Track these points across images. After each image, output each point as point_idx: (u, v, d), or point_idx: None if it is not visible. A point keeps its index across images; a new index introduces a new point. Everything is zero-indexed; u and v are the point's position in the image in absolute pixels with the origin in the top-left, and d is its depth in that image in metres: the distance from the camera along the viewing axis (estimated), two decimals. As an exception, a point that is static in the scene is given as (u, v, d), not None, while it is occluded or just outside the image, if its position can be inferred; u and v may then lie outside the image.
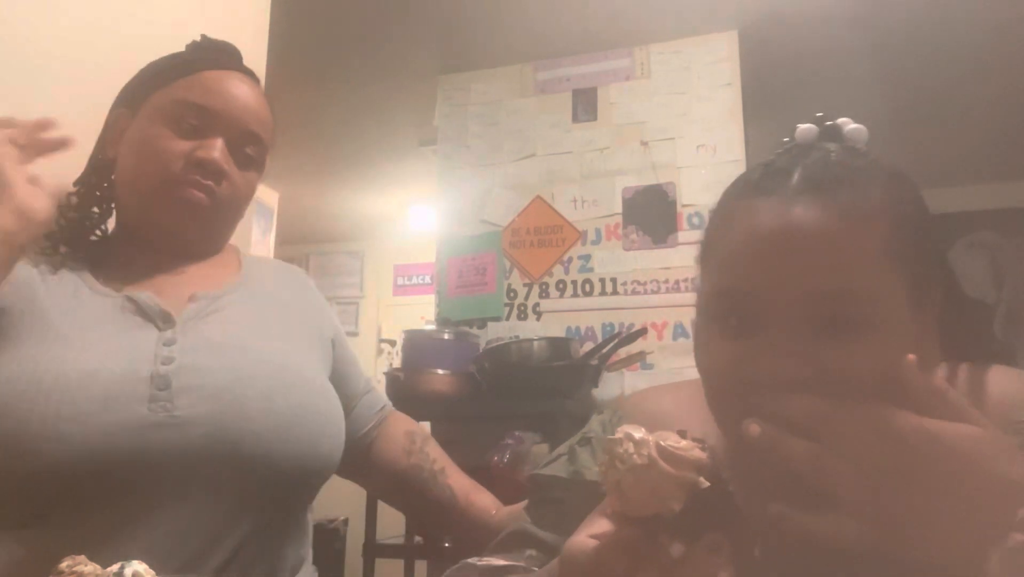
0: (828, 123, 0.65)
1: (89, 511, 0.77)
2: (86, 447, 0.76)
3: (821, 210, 0.58)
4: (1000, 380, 0.64)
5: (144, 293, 0.90)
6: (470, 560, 0.71)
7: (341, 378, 1.04)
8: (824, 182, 0.60)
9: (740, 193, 0.64)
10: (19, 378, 0.78)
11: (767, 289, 0.58)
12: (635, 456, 0.48)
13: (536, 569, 0.67)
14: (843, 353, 0.56)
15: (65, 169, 1.06)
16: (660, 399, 0.77)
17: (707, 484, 0.48)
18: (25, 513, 0.77)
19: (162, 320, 0.88)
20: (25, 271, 0.88)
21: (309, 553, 0.96)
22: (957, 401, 0.51)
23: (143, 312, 0.88)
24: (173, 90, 0.95)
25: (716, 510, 0.49)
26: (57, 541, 0.59)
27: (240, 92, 0.97)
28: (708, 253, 0.65)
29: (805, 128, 0.66)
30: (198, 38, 1.03)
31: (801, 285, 0.57)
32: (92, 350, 0.82)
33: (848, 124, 0.65)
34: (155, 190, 0.93)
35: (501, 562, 0.69)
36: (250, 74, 1.02)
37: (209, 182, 0.93)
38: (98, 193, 1.00)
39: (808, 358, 0.56)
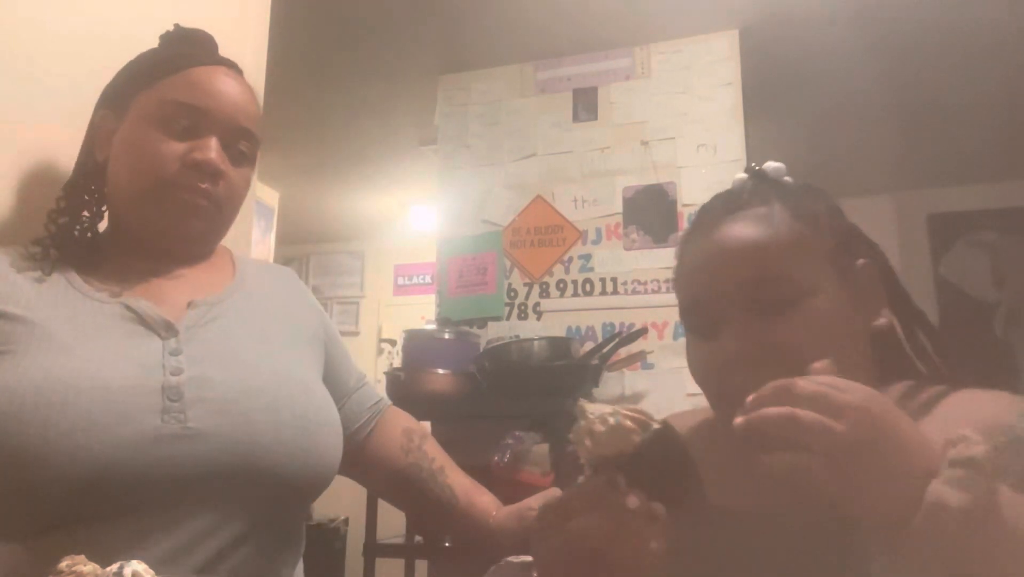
0: (756, 168, 0.83)
1: (101, 523, 0.76)
2: (101, 459, 0.75)
3: (734, 224, 0.76)
4: (972, 402, 0.70)
5: (142, 301, 0.89)
6: (509, 558, 0.79)
7: (332, 375, 1.04)
8: (736, 205, 0.78)
9: (685, 236, 0.83)
10: (27, 389, 0.76)
11: (713, 294, 0.74)
12: (603, 408, 0.61)
13: None
14: (784, 327, 0.70)
15: (53, 173, 1.07)
16: (681, 419, 0.87)
17: (658, 424, 0.61)
18: (37, 525, 0.76)
19: (164, 329, 0.87)
20: (11, 275, 0.87)
21: (302, 551, 0.97)
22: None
23: (143, 321, 0.87)
24: (160, 90, 0.94)
25: (669, 463, 0.61)
26: (69, 552, 0.59)
27: (229, 88, 0.96)
28: (675, 283, 0.82)
29: (738, 177, 0.84)
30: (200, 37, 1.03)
31: (731, 281, 0.73)
32: (98, 360, 0.81)
33: (770, 165, 0.83)
34: (152, 193, 0.92)
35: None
36: (232, 66, 1.01)
37: (206, 185, 0.92)
38: (86, 197, 0.99)
39: (758, 339, 0.70)
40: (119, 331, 0.86)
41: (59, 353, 0.80)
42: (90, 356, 0.81)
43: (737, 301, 0.72)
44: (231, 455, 0.82)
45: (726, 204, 0.79)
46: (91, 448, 0.75)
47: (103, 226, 1.02)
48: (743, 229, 0.75)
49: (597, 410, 0.61)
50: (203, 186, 0.92)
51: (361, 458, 1.07)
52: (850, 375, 0.59)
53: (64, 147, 1.06)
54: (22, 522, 0.77)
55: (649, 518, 0.58)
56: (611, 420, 0.60)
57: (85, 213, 0.99)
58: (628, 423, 0.60)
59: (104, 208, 1.01)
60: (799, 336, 0.70)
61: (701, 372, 0.77)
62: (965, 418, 0.66)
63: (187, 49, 0.99)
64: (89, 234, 0.99)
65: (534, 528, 0.64)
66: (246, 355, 0.90)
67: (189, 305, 0.92)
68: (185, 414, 0.81)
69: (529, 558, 0.75)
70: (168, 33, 1.02)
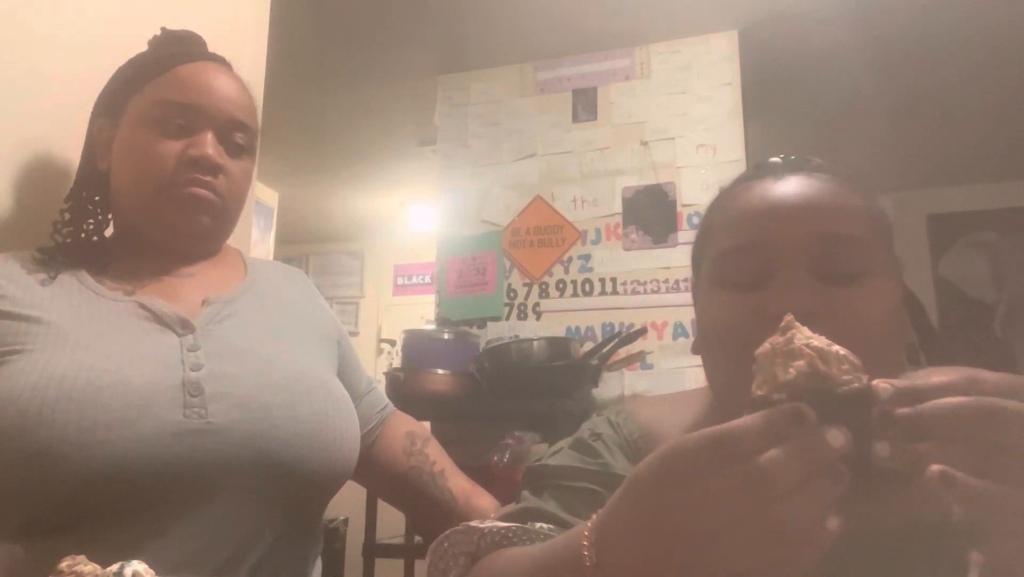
0: (793, 158, 0.76)
1: (123, 518, 0.76)
2: (123, 455, 0.75)
3: (805, 179, 0.68)
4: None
5: (156, 299, 0.89)
6: (473, 523, 0.69)
7: (344, 377, 1.04)
8: (808, 164, 0.71)
9: (734, 184, 0.74)
10: (47, 386, 0.76)
11: (773, 237, 0.65)
12: (820, 338, 0.49)
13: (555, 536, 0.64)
14: (848, 292, 0.62)
15: (50, 172, 1.06)
16: (658, 404, 0.81)
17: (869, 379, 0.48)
18: (58, 521, 0.76)
19: (180, 326, 0.87)
20: (23, 278, 0.87)
21: (320, 548, 0.98)
22: None
23: (158, 318, 0.87)
24: (151, 91, 0.94)
25: (862, 428, 0.46)
26: (89, 549, 0.58)
27: (219, 82, 0.96)
28: (708, 231, 0.73)
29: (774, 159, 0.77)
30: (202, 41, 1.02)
31: (803, 229, 0.64)
32: (117, 357, 0.81)
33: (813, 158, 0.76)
34: (156, 194, 0.92)
35: (506, 524, 0.67)
36: (221, 61, 1.01)
37: (208, 178, 0.93)
38: (90, 206, 0.99)
39: (818, 295, 0.62)
40: (135, 328, 0.86)
41: (77, 350, 0.80)
42: (109, 353, 0.81)
43: (799, 256, 0.64)
44: (251, 449, 0.82)
45: (794, 163, 0.72)
46: (114, 444, 0.75)
47: (109, 231, 1.02)
48: (817, 184, 0.67)
49: (815, 340, 0.48)
50: (205, 179, 0.92)
51: (365, 460, 1.07)
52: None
53: (62, 148, 1.05)
54: (44, 518, 0.76)
55: (834, 477, 0.44)
56: (835, 350, 0.48)
57: (90, 220, 0.99)
58: (852, 360, 0.48)
59: (109, 215, 1.01)
60: (862, 314, 0.62)
61: (737, 325, 0.64)
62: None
63: (174, 48, 0.99)
64: (95, 238, 0.99)
65: (677, 468, 0.46)
66: (263, 351, 0.90)
67: (204, 302, 0.92)
68: (206, 409, 0.81)
69: (500, 524, 0.67)
70: (156, 37, 1.02)
